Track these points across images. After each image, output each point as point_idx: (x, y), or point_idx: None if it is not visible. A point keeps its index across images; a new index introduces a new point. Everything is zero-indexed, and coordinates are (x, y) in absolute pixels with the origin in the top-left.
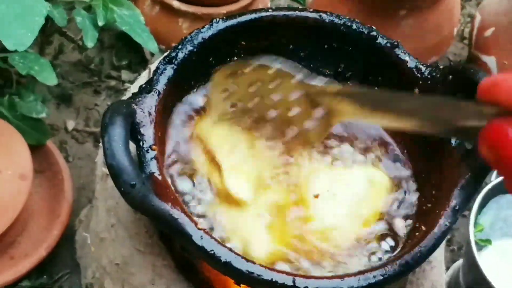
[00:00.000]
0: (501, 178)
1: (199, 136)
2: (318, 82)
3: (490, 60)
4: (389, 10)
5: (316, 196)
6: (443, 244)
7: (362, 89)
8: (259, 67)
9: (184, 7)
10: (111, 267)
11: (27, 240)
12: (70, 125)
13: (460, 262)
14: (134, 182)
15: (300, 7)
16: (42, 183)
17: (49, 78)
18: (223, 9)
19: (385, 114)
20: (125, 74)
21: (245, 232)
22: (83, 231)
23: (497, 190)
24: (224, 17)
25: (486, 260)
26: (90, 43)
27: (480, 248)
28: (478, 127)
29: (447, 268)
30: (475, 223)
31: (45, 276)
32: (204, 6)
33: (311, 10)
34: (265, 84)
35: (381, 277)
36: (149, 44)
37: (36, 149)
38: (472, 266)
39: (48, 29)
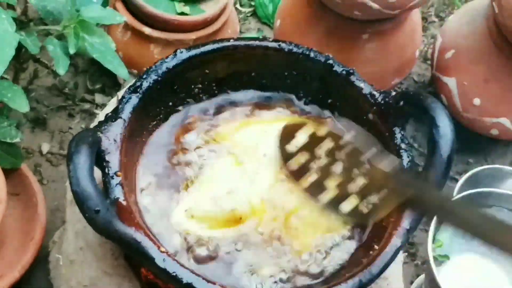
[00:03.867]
0: (460, 195)
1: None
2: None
3: (450, 81)
4: (352, 35)
5: None
6: (400, 260)
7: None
8: (331, 131)
9: (155, 33)
10: None
11: (1, 262)
12: (45, 148)
13: (423, 276)
14: (98, 208)
15: (261, 37)
16: (17, 205)
17: (22, 105)
18: (193, 35)
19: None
20: (98, 98)
21: None
22: (56, 253)
23: None
24: (188, 47)
25: (445, 275)
26: (61, 71)
27: (439, 263)
28: None
29: (411, 283)
30: (435, 239)
31: None
32: (174, 32)
33: (271, 39)
34: (334, 150)
35: None
36: (120, 71)
37: (11, 172)
38: (431, 281)
39: (22, 56)
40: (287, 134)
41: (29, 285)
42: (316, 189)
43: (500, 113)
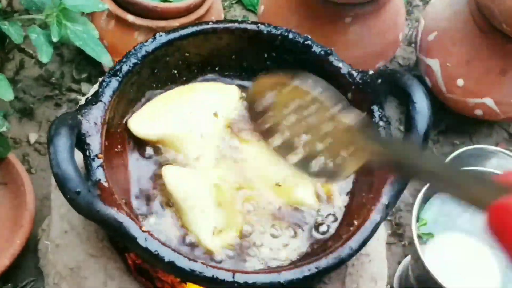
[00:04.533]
0: None
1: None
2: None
3: (434, 63)
4: (335, 18)
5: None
6: (383, 238)
7: (391, 139)
8: (298, 88)
9: (138, 21)
10: (66, 272)
11: None
12: (33, 137)
13: (410, 256)
14: (79, 189)
15: (239, 19)
16: (5, 195)
17: (6, 94)
18: (177, 22)
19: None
20: (85, 87)
21: None
22: (45, 240)
23: None
24: (167, 31)
25: (430, 253)
26: (45, 59)
27: (423, 241)
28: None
29: (399, 263)
30: (419, 218)
31: (9, 284)
32: (158, 19)
33: (249, 22)
34: (301, 107)
35: (316, 270)
36: (103, 58)
37: None
38: (417, 260)
39: (7, 46)
40: (255, 93)
41: (19, 273)
42: (285, 148)
43: (483, 93)
